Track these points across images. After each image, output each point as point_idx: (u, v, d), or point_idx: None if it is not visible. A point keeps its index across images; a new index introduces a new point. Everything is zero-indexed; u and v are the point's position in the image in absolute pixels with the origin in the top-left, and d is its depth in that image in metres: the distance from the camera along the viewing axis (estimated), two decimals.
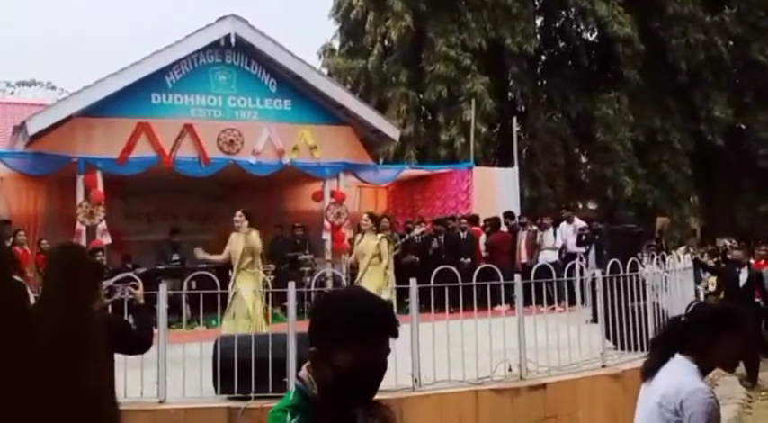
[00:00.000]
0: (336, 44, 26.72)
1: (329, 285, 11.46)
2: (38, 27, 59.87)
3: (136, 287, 4.77)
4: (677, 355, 2.70)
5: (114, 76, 12.12)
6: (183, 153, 12.52)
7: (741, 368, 9.41)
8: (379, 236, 9.40)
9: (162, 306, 6.42)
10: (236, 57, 13.14)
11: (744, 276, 10.24)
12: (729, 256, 13.60)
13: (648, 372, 2.76)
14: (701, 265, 13.52)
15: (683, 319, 2.80)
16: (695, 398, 2.57)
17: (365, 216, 9.73)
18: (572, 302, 8.69)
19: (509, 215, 14.22)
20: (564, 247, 13.31)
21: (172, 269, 11.68)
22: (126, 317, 5.28)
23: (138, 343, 4.15)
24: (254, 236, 8.88)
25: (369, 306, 1.65)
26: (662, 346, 2.78)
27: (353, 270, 10.01)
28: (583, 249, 12.54)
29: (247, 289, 8.51)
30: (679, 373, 2.66)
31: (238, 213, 8.94)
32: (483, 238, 13.76)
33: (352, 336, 1.58)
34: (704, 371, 2.66)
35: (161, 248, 12.91)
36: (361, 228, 9.54)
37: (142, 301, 4.54)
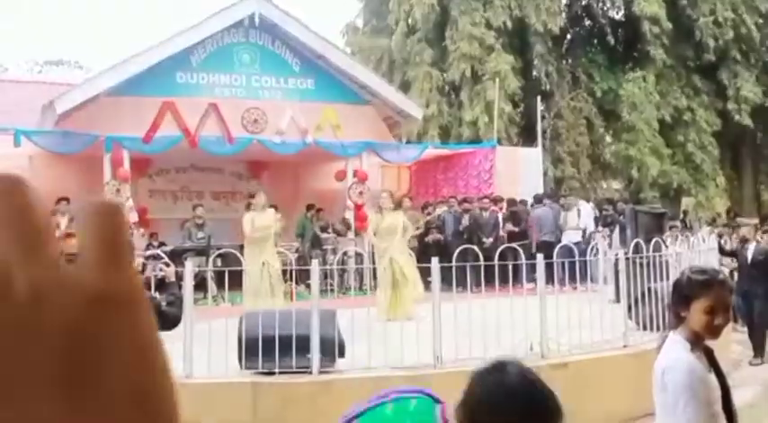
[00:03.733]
0: (360, 23, 26.64)
1: (351, 263, 11.52)
2: (63, 6, 60.24)
3: (167, 265, 4.86)
4: (670, 332, 2.72)
5: (140, 55, 12.23)
6: (208, 132, 12.63)
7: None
8: (401, 212, 9.56)
9: (188, 283, 6.53)
10: (260, 36, 13.18)
11: (750, 253, 10.14)
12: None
13: (657, 349, 2.79)
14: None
15: None
16: (675, 368, 2.57)
17: (385, 194, 9.82)
18: (594, 282, 8.70)
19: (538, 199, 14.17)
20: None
21: (197, 247, 11.83)
22: (154, 293, 5.39)
23: (169, 319, 4.24)
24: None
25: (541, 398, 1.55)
26: (670, 320, 2.81)
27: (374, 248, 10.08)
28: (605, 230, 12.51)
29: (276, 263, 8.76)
30: (666, 348, 2.67)
31: (262, 194, 9.15)
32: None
33: None
34: (693, 343, 2.62)
35: (186, 226, 13.06)
36: (382, 206, 9.60)
37: (173, 279, 4.63)
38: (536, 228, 13.41)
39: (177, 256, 9.48)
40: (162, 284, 3.75)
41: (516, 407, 1.52)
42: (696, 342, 2.63)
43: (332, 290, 9.81)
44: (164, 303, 4.26)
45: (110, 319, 0.32)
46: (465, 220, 13.38)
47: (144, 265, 5.24)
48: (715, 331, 2.61)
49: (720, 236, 12.27)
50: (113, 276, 0.33)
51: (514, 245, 8.11)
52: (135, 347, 0.33)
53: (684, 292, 2.65)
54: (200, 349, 6.38)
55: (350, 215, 13.60)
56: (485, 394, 1.60)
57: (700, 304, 2.57)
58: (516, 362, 1.67)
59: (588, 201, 13.94)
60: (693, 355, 2.60)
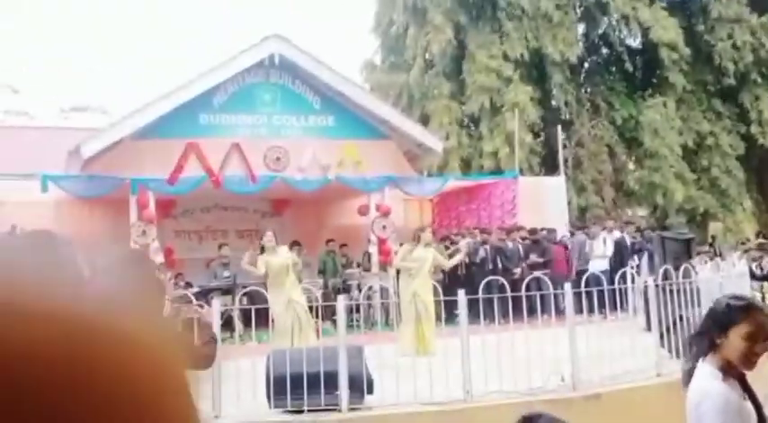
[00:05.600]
0: (378, 59, 26.93)
1: (377, 298, 11.49)
2: (87, 54, 61.69)
3: (201, 306, 4.90)
4: (701, 358, 2.61)
5: (163, 98, 12.46)
6: (231, 171, 12.76)
7: None
8: (432, 248, 9.58)
9: (215, 322, 6.54)
10: (281, 75, 13.37)
11: None
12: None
13: (684, 377, 2.69)
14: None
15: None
16: (710, 398, 2.48)
17: (428, 231, 9.93)
18: (624, 311, 8.58)
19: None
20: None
21: (223, 286, 11.87)
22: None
23: (205, 359, 4.24)
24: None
25: None
26: (694, 348, 2.72)
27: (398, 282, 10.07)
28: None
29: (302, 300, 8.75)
30: (698, 378, 2.58)
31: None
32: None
33: None
34: (726, 371, 2.53)
35: (212, 266, 13.13)
36: (422, 240, 9.60)
37: (208, 319, 4.65)
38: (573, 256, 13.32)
39: (203, 296, 9.53)
40: (198, 326, 3.75)
41: None
42: (728, 371, 2.54)
43: (358, 325, 9.76)
44: (199, 343, 4.26)
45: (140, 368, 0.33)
46: (483, 252, 13.33)
47: (178, 308, 5.28)
48: (752, 359, 2.51)
49: (753, 260, 12.07)
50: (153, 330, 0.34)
51: (539, 274, 8.02)
52: (163, 389, 0.33)
53: (722, 318, 2.56)
54: (228, 389, 6.36)
55: (373, 250, 13.59)
56: None
57: (739, 330, 2.49)
58: (547, 414, 1.66)
59: (613, 229, 13.80)
60: (726, 384, 2.52)
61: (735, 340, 2.50)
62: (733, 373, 2.56)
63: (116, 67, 63.32)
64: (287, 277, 9.14)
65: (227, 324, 8.91)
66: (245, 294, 9.10)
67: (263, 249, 9.27)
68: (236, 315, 9.50)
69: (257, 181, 12.87)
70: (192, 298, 6.54)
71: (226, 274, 12.49)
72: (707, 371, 2.56)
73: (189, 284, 12.09)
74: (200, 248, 14.80)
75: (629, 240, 13.99)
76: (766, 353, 2.55)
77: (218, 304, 6.63)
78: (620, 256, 13.25)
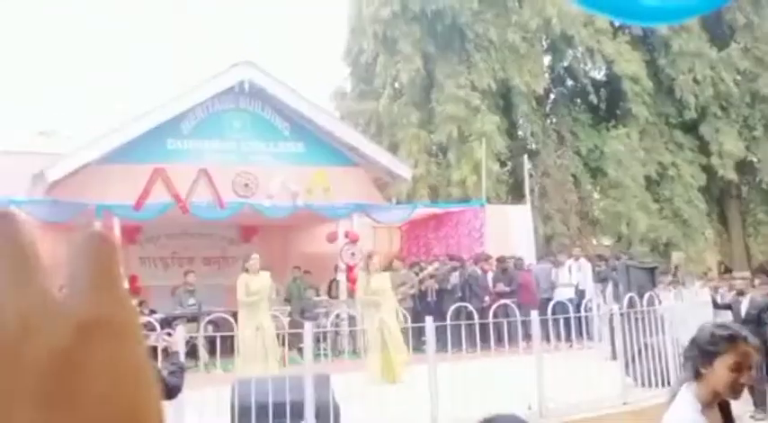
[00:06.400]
0: (348, 87, 27.08)
1: (345, 326, 11.43)
2: (53, 79, 61.08)
3: (169, 334, 4.82)
4: (683, 386, 2.59)
5: (131, 123, 12.36)
6: (199, 197, 12.66)
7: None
8: (387, 274, 9.59)
9: (180, 350, 6.43)
10: (250, 102, 13.36)
11: (744, 306, 10.12)
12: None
13: (667, 404, 2.68)
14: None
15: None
16: None
17: (375, 258, 9.88)
18: (590, 340, 8.64)
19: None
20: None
21: (189, 314, 11.71)
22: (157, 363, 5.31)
23: (171, 389, 4.17)
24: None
25: None
26: (682, 372, 2.71)
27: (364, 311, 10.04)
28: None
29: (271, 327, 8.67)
30: (677, 403, 2.54)
31: (255, 256, 9.12)
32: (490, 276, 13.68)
33: None
34: (706, 400, 2.50)
35: (177, 293, 12.95)
36: (370, 268, 9.64)
37: (176, 349, 4.58)
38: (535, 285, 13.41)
39: (168, 324, 9.38)
40: (165, 354, 3.68)
41: None
42: (712, 401, 2.51)
43: (325, 354, 9.69)
44: (165, 373, 4.19)
45: (97, 345, 0.33)
46: (454, 278, 13.37)
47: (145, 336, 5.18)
48: (738, 389, 2.49)
49: (714, 290, 12.27)
50: (103, 302, 0.34)
51: (509, 302, 8.07)
52: (122, 372, 0.34)
53: (707, 348, 2.53)
54: (192, 419, 6.25)
55: (342, 277, 13.54)
56: None
57: (724, 361, 2.47)
58: (510, 415, 1.67)
59: (579, 258, 13.96)
60: (704, 417, 2.48)
61: (720, 371, 2.47)
62: (716, 402, 2.53)
63: (84, 92, 62.77)
64: (262, 302, 9.10)
65: (193, 352, 8.79)
66: (210, 322, 8.99)
67: (246, 270, 9.33)
68: (200, 343, 9.36)
69: (225, 207, 12.78)
70: (157, 325, 6.44)
71: (191, 301, 12.33)
72: (687, 399, 2.52)
73: (153, 312, 11.90)
74: (165, 276, 14.60)
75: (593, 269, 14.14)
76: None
77: (182, 332, 6.54)
78: (586, 284, 13.38)
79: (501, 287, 13.09)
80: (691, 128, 24.16)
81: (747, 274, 16.51)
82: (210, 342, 9.11)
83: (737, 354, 2.48)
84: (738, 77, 23.87)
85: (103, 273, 0.35)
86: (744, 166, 23.85)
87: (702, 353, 2.53)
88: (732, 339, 2.52)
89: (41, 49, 57.96)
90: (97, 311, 0.34)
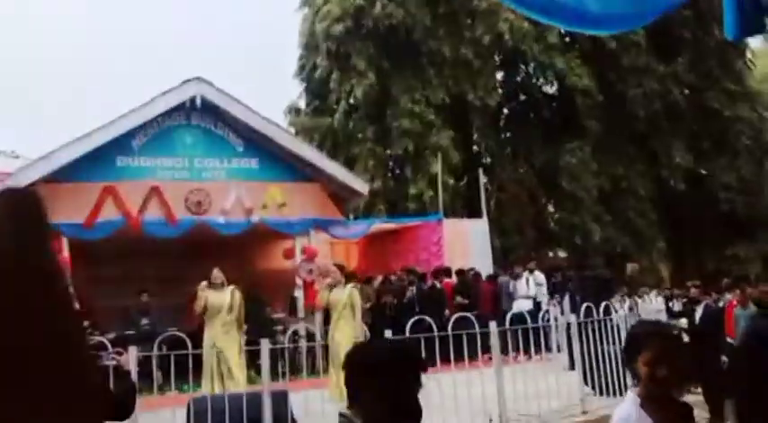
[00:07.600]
0: (302, 103, 27.00)
1: (302, 343, 11.28)
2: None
3: (120, 353, 4.65)
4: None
5: (79, 140, 12.06)
6: (151, 215, 12.41)
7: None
8: (349, 286, 9.46)
9: (132, 370, 6.23)
10: (202, 118, 13.18)
11: (698, 313, 10.29)
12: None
13: None
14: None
15: None
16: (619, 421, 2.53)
17: (334, 268, 9.76)
18: (548, 351, 8.66)
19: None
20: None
21: (142, 334, 11.42)
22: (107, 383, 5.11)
23: (123, 410, 3.98)
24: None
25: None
26: None
27: (326, 325, 9.93)
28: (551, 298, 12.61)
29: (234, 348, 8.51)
30: (619, 407, 2.61)
31: (216, 270, 9.00)
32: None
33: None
34: (643, 394, 2.55)
35: (130, 313, 12.63)
36: (330, 281, 9.54)
37: (128, 368, 4.40)
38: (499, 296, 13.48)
39: (120, 344, 9.10)
40: (115, 374, 3.51)
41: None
42: (648, 395, 2.54)
43: (283, 372, 9.52)
44: (115, 392, 4.01)
45: (28, 289, 0.35)
46: (411, 293, 13.35)
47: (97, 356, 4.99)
48: (661, 384, 2.49)
49: (667, 299, 12.46)
50: (30, 251, 0.35)
51: (469, 314, 8.04)
52: (53, 310, 0.34)
53: (630, 346, 2.62)
54: None
55: (299, 293, 13.38)
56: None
57: (643, 357, 2.53)
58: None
59: (534, 270, 14.08)
60: (642, 411, 2.52)
61: (642, 366, 2.53)
62: (659, 400, 2.54)
63: (28, 110, 61.43)
64: (221, 318, 8.94)
65: (148, 374, 8.52)
66: (164, 341, 8.74)
67: (210, 284, 9.19)
68: (154, 363, 9.09)
69: (177, 225, 12.54)
70: (109, 345, 6.23)
71: (145, 321, 12.04)
72: (629, 396, 2.60)
73: (104, 333, 11.57)
74: (117, 295, 14.21)
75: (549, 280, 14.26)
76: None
77: (134, 352, 6.35)
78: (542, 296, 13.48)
79: (460, 299, 13.09)
80: (641, 141, 24.64)
81: (699, 282, 16.83)
82: (165, 362, 8.86)
83: (653, 348, 2.53)
84: (686, 91, 24.48)
85: (29, 225, 0.35)
86: (693, 178, 24.39)
87: (627, 350, 2.63)
88: (647, 335, 2.59)
89: None
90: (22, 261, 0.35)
